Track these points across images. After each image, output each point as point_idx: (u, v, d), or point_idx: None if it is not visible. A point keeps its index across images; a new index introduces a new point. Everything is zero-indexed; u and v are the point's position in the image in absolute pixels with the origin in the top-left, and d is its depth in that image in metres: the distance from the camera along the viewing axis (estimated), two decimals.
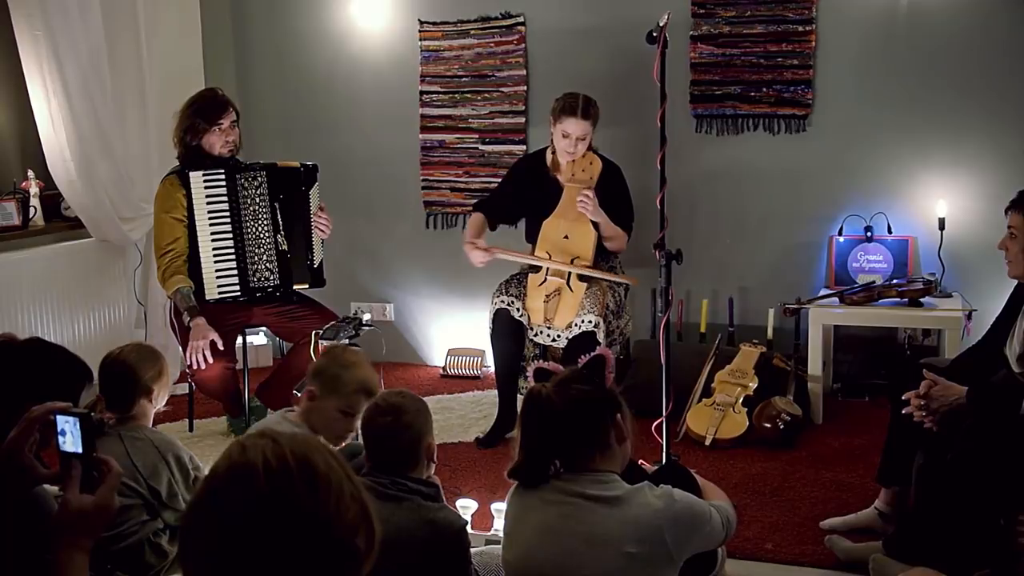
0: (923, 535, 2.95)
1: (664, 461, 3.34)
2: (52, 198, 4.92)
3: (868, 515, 3.39)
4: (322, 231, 4.51)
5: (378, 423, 2.55)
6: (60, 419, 1.79)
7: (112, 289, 5.08)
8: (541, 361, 2.42)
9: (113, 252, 5.07)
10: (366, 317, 3.76)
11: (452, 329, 5.62)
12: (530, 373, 2.41)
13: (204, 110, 4.23)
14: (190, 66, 5.45)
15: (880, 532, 3.31)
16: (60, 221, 4.96)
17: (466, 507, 3.40)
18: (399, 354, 5.58)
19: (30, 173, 4.80)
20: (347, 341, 3.64)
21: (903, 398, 3.12)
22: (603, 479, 2.26)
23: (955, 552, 2.81)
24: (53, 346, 2.50)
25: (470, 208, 5.47)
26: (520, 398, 4.54)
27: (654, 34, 3.31)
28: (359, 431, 2.73)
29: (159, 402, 3.20)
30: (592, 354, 2.40)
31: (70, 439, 1.79)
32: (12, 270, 4.55)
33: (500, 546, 3.14)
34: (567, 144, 4.39)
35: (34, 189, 4.79)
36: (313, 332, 3.81)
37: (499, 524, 3.43)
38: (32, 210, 4.78)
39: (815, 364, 4.52)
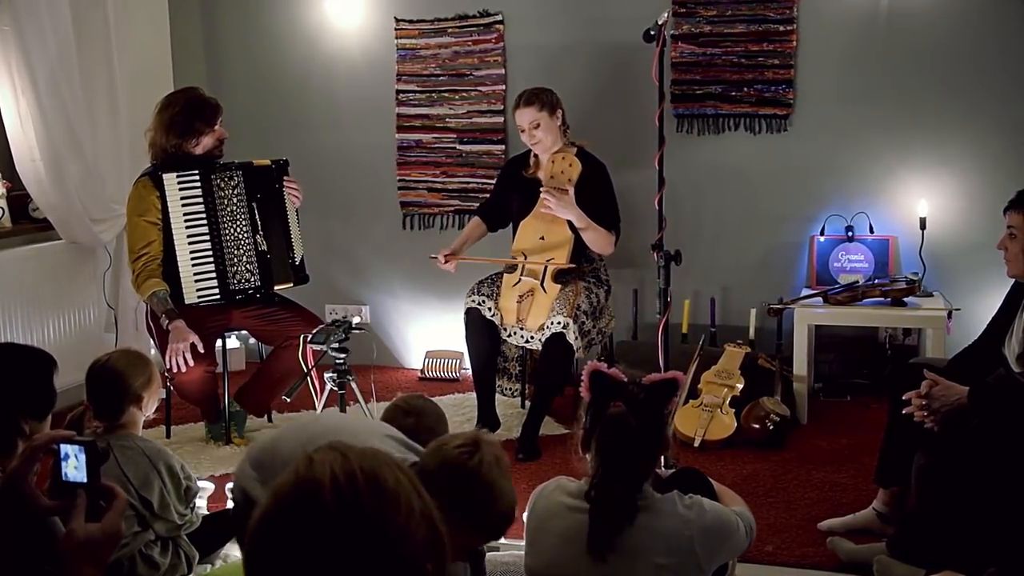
0: (927, 536, 2.95)
1: (664, 464, 3.31)
2: (19, 199, 4.77)
3: (866, 516, 3.38)
4: (295, 199, 4.43)
5: (402, 424, 2.53)
6: (63, 447, 1.74)
7: (82, 292, 4.95)
8: (595, 362, 2.34)
9: (83, 254, 4.93)
10: (355, 320, 3.68)
11: (430, 331, 5.56)
12: (585, 376, 2.34)
13: (200, 112, 4.12)
14: (158, 64, 5.34)
15: (879, 533, 3.30)
16: (28, 223, 4.82)
17: None
18: (366, 355, 5.47)
19: None
20: (337, 345, 3.56)
21: (904, 398, 3.11)
22: None
23: (962, 552, 2.80)
24: (3, 345, 2.41)
25: (447, 208, 5.46)
26: (500, 398, 4.56)
27: (652, 32, 3.27)
28: None
29: (148, 409, 3.12)
30: (665, 375, 2.34)
31: (73, 467, 1.73)
32: None
33: (503, 553, 3.10)
34: (526, 137, 4.41)
35: (1, 190, 4.64)
36: (301, 336, 3.72)
37: None
38: (0, 211, 4.63)
39: (800, 364, 4.52)
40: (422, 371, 5.48)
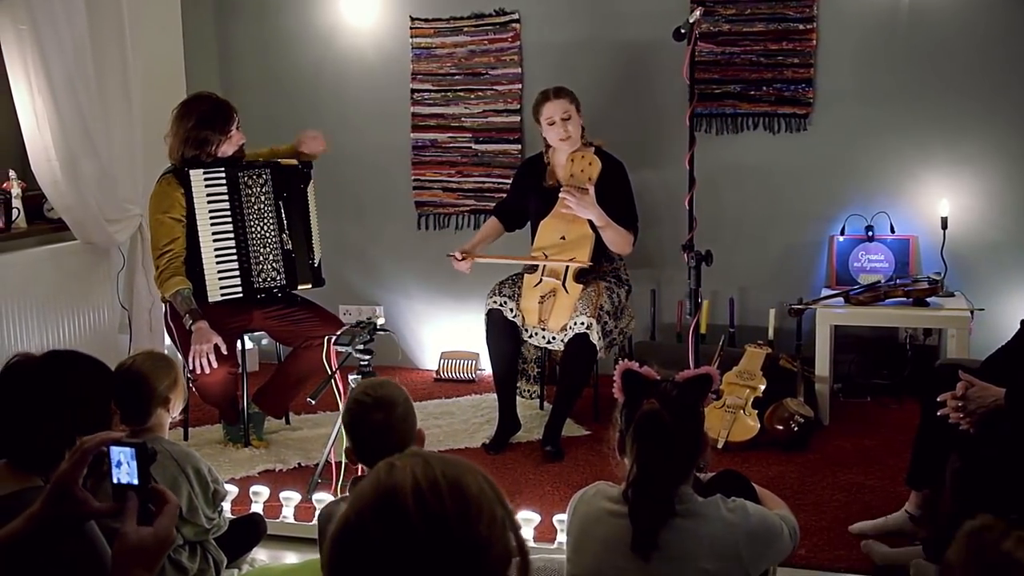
0: None
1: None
2: (34, 199, 4.73)
3: (898, 518, 3.34)
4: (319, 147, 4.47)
5: (373, 420, 2.40)
6: (114, 450, 1.71)
7: (96, 293, 4.90)
8: (627, 362, 2.32)
9: (97, 255, 4.88)
10: (380, 321, 3.64)
11: (445, 332, 5.52)
12: (617, 376, 2.32)
13: (213, 123, 4.09)
14: (171, 64, 5.28)
15: (911, 535, 3.27)
16: (43, 223, 4.77)
17: (529, 520, 3.34)
18: (390, 357, 5.43)
19: (12, 173, 4.61)
20: (362, 346, 3.52)
21: (939, 399, 3.07)
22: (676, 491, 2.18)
23: None
24: (75, 354, 2.37)
25: (463, 208, 5.42)
26: (520, 400, 4.52)
27: (682, 31, 3.24)
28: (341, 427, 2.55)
29: (175, 411, 3.08)
30: (698, 371, 2.32)
31: (125, 470, 1.71)
32: None
33: (534, 556, 3.06)
34: (558, 130, 4.34)
35: (16, 190, 4.60)
36: (326, 337, 3.68)
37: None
38: (15, 212, 4.58)
39: (823, 365, 4.48)
40: (437, 372, 5.44)
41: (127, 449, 1.70)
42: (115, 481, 1.71)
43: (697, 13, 3.31)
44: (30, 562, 1.78)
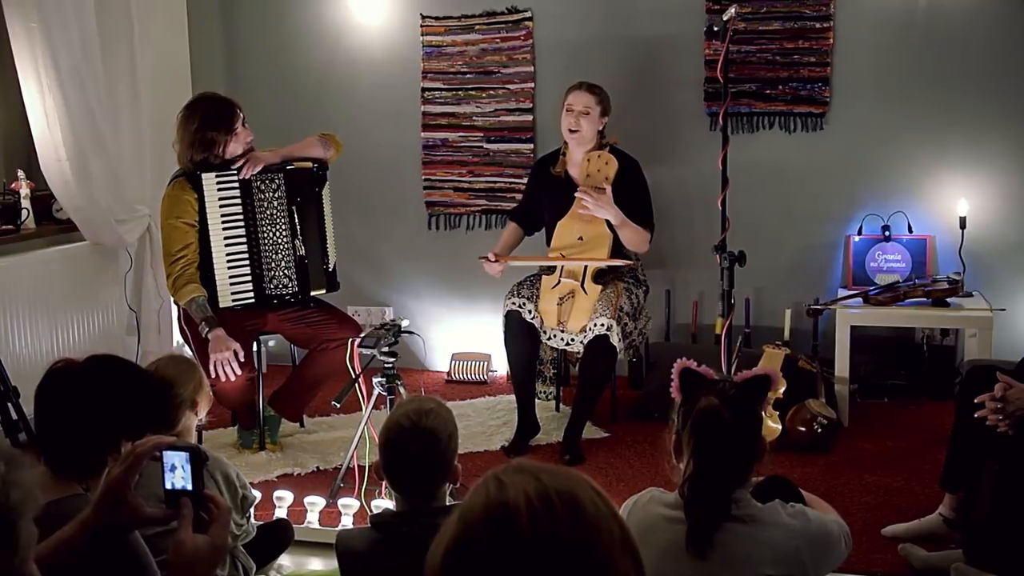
0: (1003, 542, 2.88)
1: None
2: (43, 199, 4.65)
3: (933, 521, 3.31)
4: None
5: (410, 449, 2.25)
6: (168, 454, 1.68)
7: (105, 294, 4.83)
8: (685, 361, 2.28)
9: (105, 256, 4.82)
10: (405, 323, 3.59)
11: (455, 333, 5.46)
12: (675, 374, 2.27)
13: (216, 123, 4.01)
14: (176, 63, 5.21)
15: (945, 538, 3.24)
16: (51, 223, 4.70)
17: None
18: (411, 360, 5.36)
19: (20, 173, 4.53)
20: (387, 348, 3.47)
21: (976, 400, 3.04)
22: (735, 496, 2.14)
23: None
24: (115, 359, 2.31)
25: (474, 209, 5.37)
26: (538, 402, 4.47)
27: (715, 28, 3.20)
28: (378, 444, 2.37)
29: (202, 413, 3.02)
30: (757, 371, 2.29)
31: (179, 475, 1.67)
32: (2, 275, 4.28)
33: None
34: (570, 119, 4.31)
35: (25, 190, 4.52)
36: (350, 340, 3.63)
37: None
38: (24, 212, 4.51)
39: (842, 365, 4.45)
40: (448, 373, 5.38)
41: (181, 453, 1.68)
42: (168, 486, 1.67)
43: (732, 11, 3.26)
44: (79, 570, 1.73)
